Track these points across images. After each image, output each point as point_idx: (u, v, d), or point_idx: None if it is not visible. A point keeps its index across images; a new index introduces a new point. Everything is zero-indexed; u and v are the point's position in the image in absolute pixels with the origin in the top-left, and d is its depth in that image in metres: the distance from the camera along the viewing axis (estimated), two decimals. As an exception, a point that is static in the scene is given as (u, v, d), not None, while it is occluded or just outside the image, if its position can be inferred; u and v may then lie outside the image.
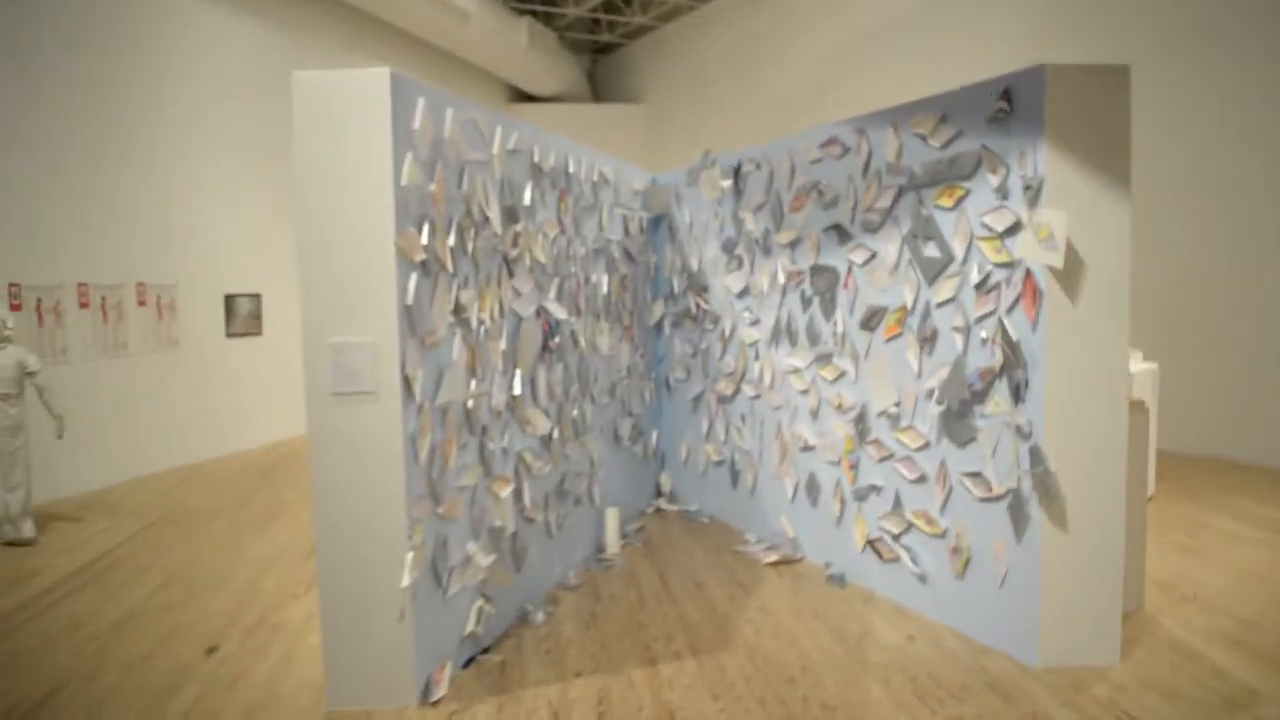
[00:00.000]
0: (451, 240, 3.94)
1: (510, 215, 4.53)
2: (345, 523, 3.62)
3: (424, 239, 3.70)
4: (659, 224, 6.94)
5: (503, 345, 4.45)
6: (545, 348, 4.95)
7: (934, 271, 4.54)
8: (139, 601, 5.12)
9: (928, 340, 4.60)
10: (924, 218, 4.59)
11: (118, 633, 4.65)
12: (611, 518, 5.76)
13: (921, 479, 4.66)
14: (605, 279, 5.90)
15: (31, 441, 6.72)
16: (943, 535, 4.53)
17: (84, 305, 8.17)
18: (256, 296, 10.51)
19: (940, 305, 4.52)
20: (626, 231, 6.40)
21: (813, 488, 5.49)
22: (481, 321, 4.23)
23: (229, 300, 10.13)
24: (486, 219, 4.29)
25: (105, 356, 8.48)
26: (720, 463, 6.49)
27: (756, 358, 6.01)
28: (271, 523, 6.88)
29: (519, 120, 4.73)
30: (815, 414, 5.44)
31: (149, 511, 7.36)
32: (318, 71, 3.54)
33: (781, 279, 5.65)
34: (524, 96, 17.78)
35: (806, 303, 5.49)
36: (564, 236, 5.28)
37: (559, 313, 5.02)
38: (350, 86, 3.51)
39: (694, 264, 6.56)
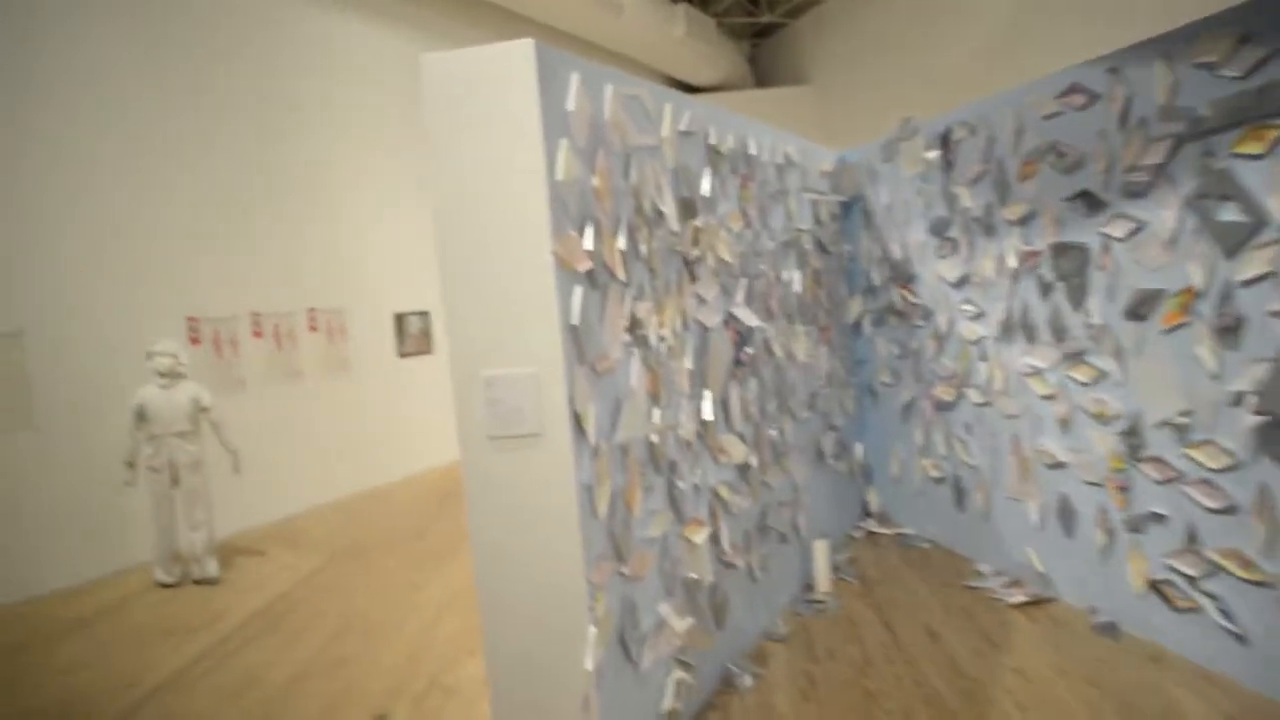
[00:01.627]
0: (621, 243, 3.27)
1: (688, 209, 3.83)
2: (512, 596, 3.01)
3: (588, 243, 3.04)
4: (851, 209, 6.08)
5: (688, 363, 3.75)
6: (737, 361, 4.22)
7: (1236, 241, 3.50)
8: (313, 653, 4.75)
9: (1229, 330, 3.56)
10: (1216, 172, 3.55)
11: (289, 694, 4.28)
12: (820, 552, 4.96)
13: (1230, 509, 3.62)
14: (797, 275, 5.11)
15: (212, 476, 6.60)
16: (1269, 585, 3.48)
17: (257, 334, 8.11)
18: (425, 314, 10.32)
19: (1248, 284, 3.48)
20: (817, 220, 5.58)
21: (1066, 513, 4.50)
22: (662, 338, 3.55)
23: (399, 320, 9.97)
24: (660, 215, 3.61)
25: (281, 384, 8.41)
26: (940, 479, 5.56)
27: (982, 358, 5.05)
28: (448, 558, 6.47)
29: (689, 98, 4.02)
30: (1066, 424, 4.45)
31: (328, 545, 7.14)
32: (449, 52, 2.94)
33: (1012, 262, 4.68)
34: (682, 89, 17.12)
35: (1046, 290, 4.50)
36: (750, 230, 4.53)
37: (750, 319, 4.27)
38: (488, 65, 2.90)
39: (896, 251, 5.66)
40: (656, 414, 3.46)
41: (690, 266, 3.84)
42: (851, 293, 6.12)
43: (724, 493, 4.00)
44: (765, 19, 16.97)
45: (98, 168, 7.06)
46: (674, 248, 3.69)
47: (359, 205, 9.55)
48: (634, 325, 3.32)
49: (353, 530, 7.59)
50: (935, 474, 5.57)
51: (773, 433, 4.64)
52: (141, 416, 6.21)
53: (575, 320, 2.95)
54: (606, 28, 13.31)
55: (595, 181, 3.13)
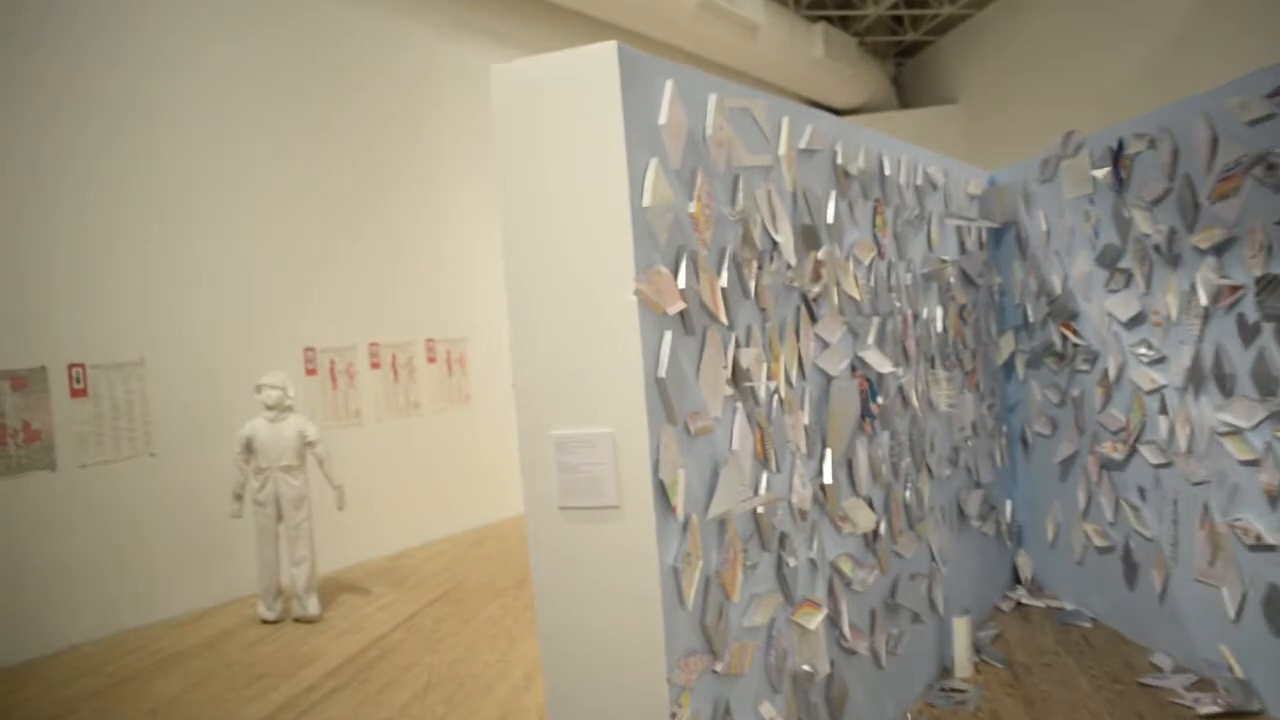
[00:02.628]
0: (724, 279, 2.78)
1: (809, 238, 3.31)
2: (582, 697, 2.54)
3: (681, 280, 2.57)
4: (1002, 236, 5.40)
5: (805, 418, 3.22)
6: (865, 414, 3.65)
7: None
8: (393, 713, 4.42)
9: None
10: None
11: (363, 762, 3.95)
12: (961, 631, 4.29)
13: None
14: (940, 312, 4.49)
15: (318, 511, 6.45)
16: None
17: (375, 365, 8.01)
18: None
19: None
20: (963, 248, 4.94)
21: (1275, 607, 3.69)
22: (774, 389, 3.03)
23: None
24: (775, 246, 3.10)
25: (397, 416, 8.28)
26: (1106, 549, 4.77)
27: (1162, 411, 4.28)
28: (552, 605, 6.07)
29: (812, 111, 3.51)
30: (1276, 498, 3.66)
31: (432, 585, 6.88)
32: (522, 59, 2.54)
33: (1203, 299, 3.93)
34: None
35: (1250, 333, 3.73)
36: (883, 262, 3.97)
37: (882, 365, 3.70)
38: (563, 72, 2.47)
39: (1056, 284, 4.94)
40: (764, 479, 2.94)
41: (810, 305, 3.32)
42: (1002, 330, 5.42)
43: (846, 567, 3.43)
44: (909, 37, 16.18)
45: (219, 198, 7.09)
46: (791, 283, 3.18)
47: (475, 234, 9.38)
48: (738, 375, 2.82)
49: (459, 570, 7.32)
50: (1100, 542, 4.79)
51: (906, 494, 4.03)
52: (249, 449, 6.11)
53: (662, 372, 2.47)
54: (740, 50, 12.85)
55: (693, 208, 2.66)
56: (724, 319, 2.76)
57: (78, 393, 6.20)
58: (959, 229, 4.90)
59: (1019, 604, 5.26)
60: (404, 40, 8.93)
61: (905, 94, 17.56)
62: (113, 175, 6.48)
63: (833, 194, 3.54)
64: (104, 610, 6.19)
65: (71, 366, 6.18)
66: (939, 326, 4.50)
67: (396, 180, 8.52)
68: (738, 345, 2.83)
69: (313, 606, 6.13)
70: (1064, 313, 4.89)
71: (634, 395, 2.45)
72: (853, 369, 3.60)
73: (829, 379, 3.42)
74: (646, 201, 2.46)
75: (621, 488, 2.47)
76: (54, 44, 6.24)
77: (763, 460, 2.95)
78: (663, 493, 2.46)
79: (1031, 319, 5.21)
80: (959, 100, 15.97)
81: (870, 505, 3.65)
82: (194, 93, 7.01)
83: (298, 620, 6.14)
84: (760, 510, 2.88)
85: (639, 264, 2.43)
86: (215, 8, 7.25)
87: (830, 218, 3.49)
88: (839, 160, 3.59)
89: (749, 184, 2.96)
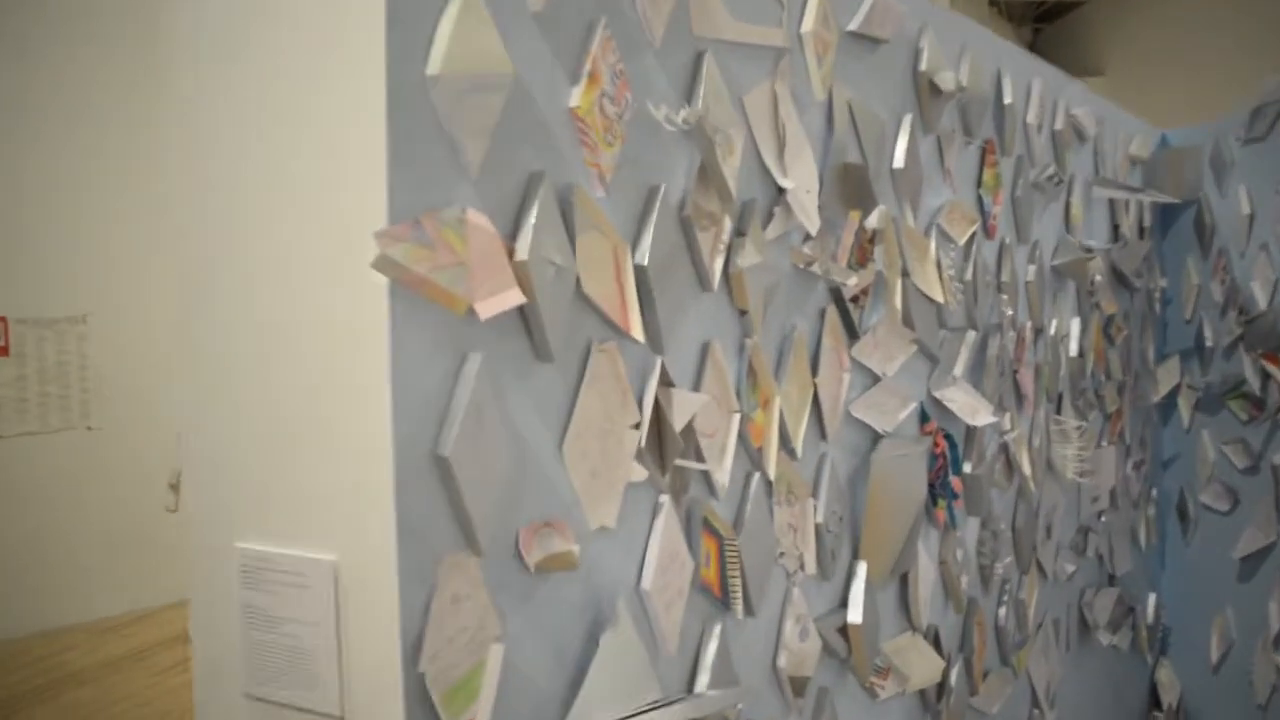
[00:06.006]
0: (644, 248, 1.38)
1: (852, 190, 1.86)
2: None
3: (524, 245, 1.17)
4: (1174, 220, 3.80)
5: (819, 511, 1.80)
6: (940, 494, 2.19)
7: None
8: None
9: None
10: None
11: None
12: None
13: None
14: (1076, 327, 2.98)
15: None
16: None
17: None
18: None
19: None
20: (1116, 234, 3.39)
21: None
22: (754, 469, 1.63)
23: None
24: (779, 197, 1.68)
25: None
26: (1306, 692, 3.19)
27: None
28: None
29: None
30: None
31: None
32: None
33: None
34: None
35: None
36: (990, 242, 2.49)
37: (976, 413, 2.22)
38: None
39: (1258, 294, 3.32)
40: (716, 636, 1.54)
41: (846, 308, 1.88)
42: (1162, 356, 3.83)
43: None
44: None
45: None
46: (808, 267, 1.75)
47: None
48: (666, 443, 1.43)
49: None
50: (1299, 682, 3.21)
51: (1001, 612, 2.56)
52: None
53: (450, 444, 1.09)
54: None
55: (574, 97, 1.26)
56: (635, 330, 1.36)
57: (-2, 350, 5.11)
58: (1113, 204, 3.34)
59: (1156, 740, 3.73)
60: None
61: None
62: None
63: (907, 120, 2.06)
64: (22, 607, 5.22)
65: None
66: (1072, 348, 2.98)
67: None
68: (667, 382, 1.42)
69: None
70: (1267, 338, 3.27)
71: (379, 488, 1.07)
72: (921, 419, 2.15)
73: (874, 437, 1.98)
74: (434, 68, 1.07)
75: (347, 678, 1.12)
76: None
77: (720, 598, 1.56)
78: (429, 703, 1.09)
79: (1210, 341, 3.60)
80: (1106, 72, 13.96)
81: (937, 642, 2.21)
82: None
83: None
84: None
85: (397, 209, 1.04)
86: None
87: (899, 159, 2.02)
88: (922, 64, 2.10)
89: (730, 74, 1.55)
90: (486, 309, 1.13)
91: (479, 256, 1.14)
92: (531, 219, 1.21)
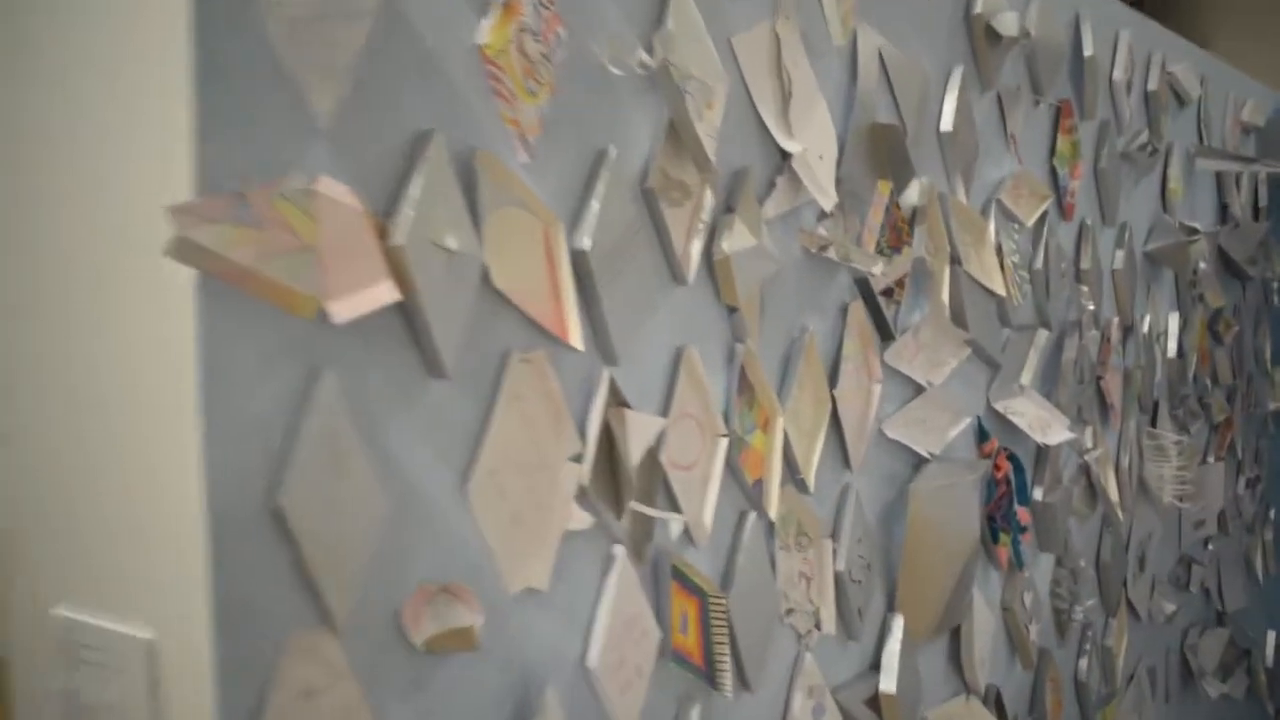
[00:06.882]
0: (586, 231, 1.07)
1: (885, 158, 1.51)
2: None
3: (402, 230, 0.87)
4: (1295, 197, 3.35)
5: (840, 557, 1.46)
6: (1003, 527, 1.81)
7: None
8: None
9: None
10: None
11: None
12: None
13: None
14: (1174, 324, 2.57)
15: None
16: None
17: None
18: None
19: None
20: (1224, 215, 2.96)
21: None
22: (753, 509, 1.31)
23: None
24: (783, 163, 1.35)
25: None
26: None
27: None
28: None
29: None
30: None
31: None
32: None
33: None
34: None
35: None
36: (1067, 224, 2.11)
37: (1048, 429, 1.85)
38: None
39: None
40: (695, 723, 1.22)
41: (878, 303, 1.54)
42: (1280, 356, 3.37)
43: None
44: (1152, -33, 13.36)
45: None
46: (822, 252, 1.41)
47: None
48: (620, 483, 1.11)
49: None
50: None
51: (1082, 664, 2.17)
52: None
53: (284, 495, 0.80)
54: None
55: (483, 32, 0.96)
56: (573, 335, 1.04)
57: None
58: (1221, 179, 2.91)
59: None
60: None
61: (1142, 40, 14.71)
62: None
63: (957, 72, 1.70)
64: None
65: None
66: (1170, 349, 2.56)
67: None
68: (620, 400, 1.11)
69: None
70: None
71: (191, 546, 0.79)
72: (979, 438, 1.79)
73: (914, 463, 1.63)
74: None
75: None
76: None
77: (703, 671, 1.24)
78: None
79: (1338, 339, 3.14)
80: (1210, 44, 13.05)
81: (999, 706, 1.84)
82: None
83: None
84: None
85: (211, 175, 0.75)
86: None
87: (946, 121, 1.65)
88: (977, 4, 1.74)
89: (713, 7, 1.22)
90: (344, 310, 0.83)
91: (334, 240, 0.84)
92: (414, 190, 0.91)
